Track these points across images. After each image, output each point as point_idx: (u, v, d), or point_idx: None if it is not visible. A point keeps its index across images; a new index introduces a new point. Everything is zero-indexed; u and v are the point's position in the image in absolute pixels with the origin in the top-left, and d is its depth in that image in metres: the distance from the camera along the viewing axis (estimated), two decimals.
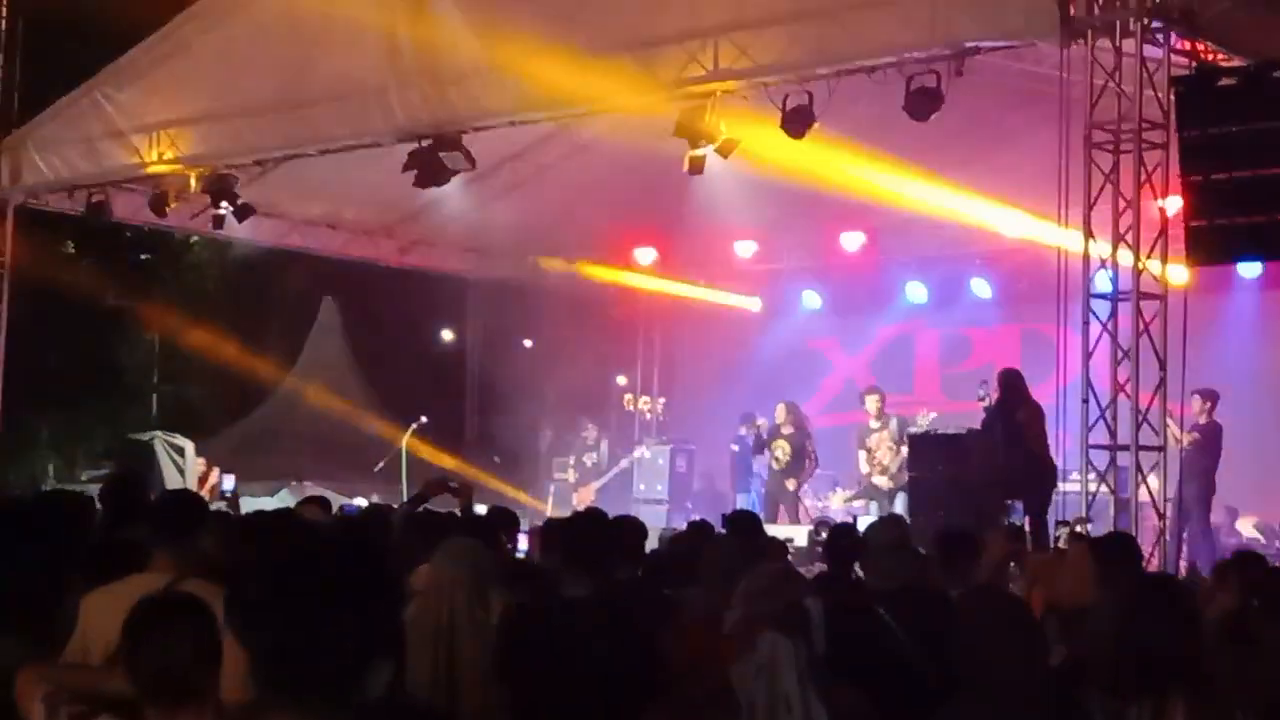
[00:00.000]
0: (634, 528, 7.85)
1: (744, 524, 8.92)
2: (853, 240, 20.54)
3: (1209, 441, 15.83)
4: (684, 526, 11.93)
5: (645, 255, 22.30)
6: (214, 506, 15.38)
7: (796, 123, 13.56)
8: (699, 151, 14.27)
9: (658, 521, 18.21)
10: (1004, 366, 15.24)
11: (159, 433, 19.43)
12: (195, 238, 20.85)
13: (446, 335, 23.85)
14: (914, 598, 6.69)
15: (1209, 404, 15.90)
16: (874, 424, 18.30)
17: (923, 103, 12.80)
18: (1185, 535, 15.03)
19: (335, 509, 11.16)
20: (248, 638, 2.68)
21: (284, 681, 2.64)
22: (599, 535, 5.93)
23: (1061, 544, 11.02)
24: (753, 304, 23.03)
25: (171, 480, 18.09)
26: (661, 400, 23.61)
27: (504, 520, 9.23)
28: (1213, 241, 11.54)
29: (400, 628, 2.90)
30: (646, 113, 14.49)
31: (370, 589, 2.73)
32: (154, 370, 23.45)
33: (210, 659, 3.95)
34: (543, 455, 22.73)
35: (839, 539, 8.41)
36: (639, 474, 21.24)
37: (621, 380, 23.85)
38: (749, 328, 22.49)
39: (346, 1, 15.58)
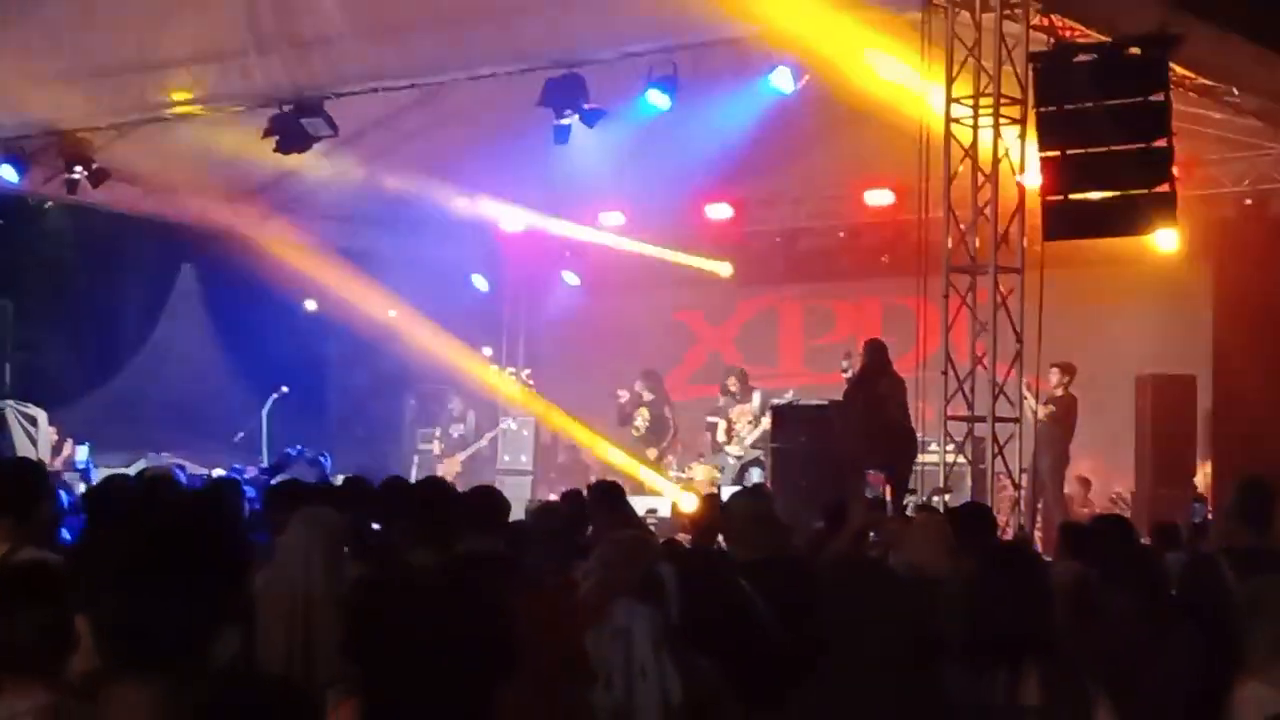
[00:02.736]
0: (486, 497, 7.77)
1: (606, 494, 8.93)
2: (719, 211, 20.55)
3: (1064, 414, 16.12)
4: (548, 497, 11.95)
5: (514, 224, 22.11)
6: (66, 478, 15.17)
7: (662, 93, 13.60)
8: (564, 120, 14.22)
9: (522, 493, 18.18)
10: (867, 338, 15.38)
11: (11, 401, 18.99)
12: (50, 202, 20.34)
13: (309, 305, 23.50)
14: (777, 568, 6.72)
15: (1066, 377, 16.19)
16: (737, 396, 18.44)
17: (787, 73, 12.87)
18: (1040, 506, 15.30)
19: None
20: (91, 608, 2.64)
21: (126, 651, 2.59)
22: (440, 503, 5.87)
23: (910, 512, 11.18)
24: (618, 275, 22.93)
25: (23, 450, 17.69)
26: (527, 371, 23.52)
27: (363, 490, 9.13)
28: (1068, 215, 11.72)
29: (247, 597, 2.85)
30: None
31: (213, 558, 2.68)
32: (7, 338, 22.89)
33: (58, 630, 3.86)
34: (406, 426, 22.57)
35: (702, 509, 8.44)
36: (504, 445, 21.19)
37: (487, 351, 23.72)
38: (614, 299, 22.44)
39: None
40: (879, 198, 18.45)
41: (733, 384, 18.49)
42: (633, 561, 4.89)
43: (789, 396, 17.42)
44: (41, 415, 18.65)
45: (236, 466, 18.07)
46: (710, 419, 18.75)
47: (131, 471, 16.10)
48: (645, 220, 21.11)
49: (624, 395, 19.39)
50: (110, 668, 2.64)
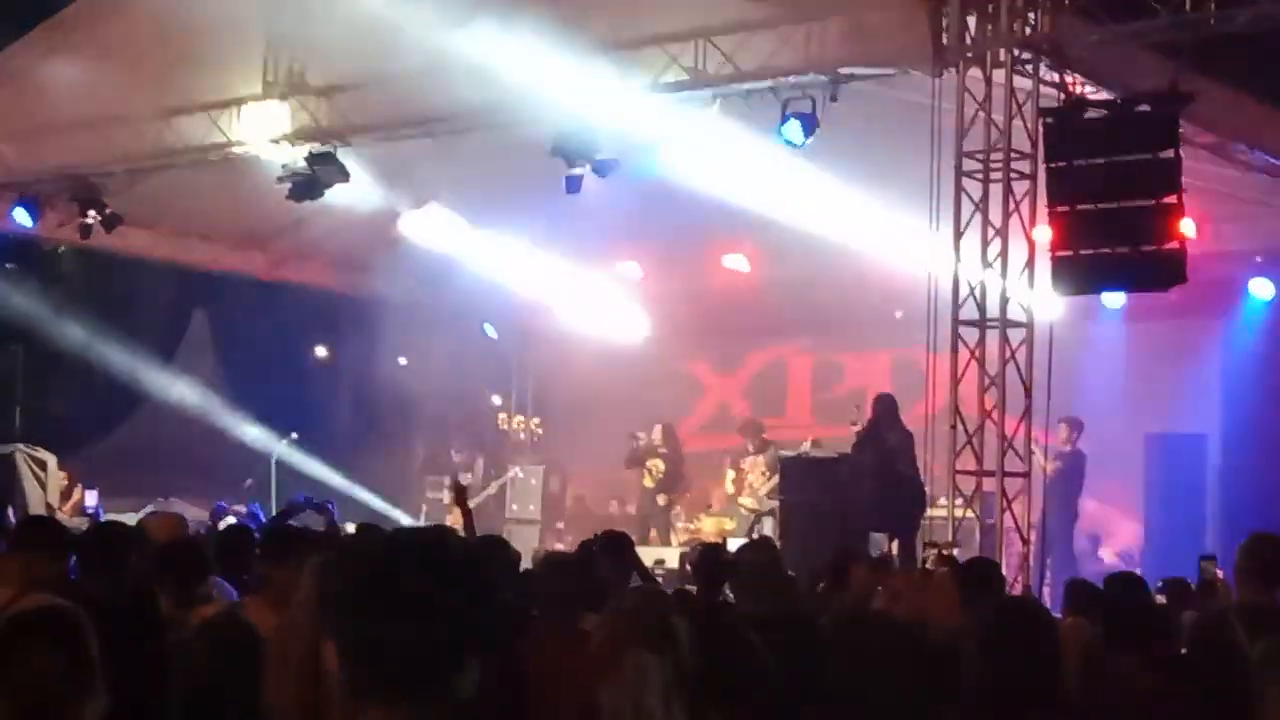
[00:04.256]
0: (493, 547, 7.77)
1: (614, 544, 8.91)
2: (736, 263, 20.64)
3: (1072, 469, 16.11)
4: (555, 547, 11.93)
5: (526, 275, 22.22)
6: (76, 523, 15.17)
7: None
8: (576, 170, 14.27)
9: (530, 542, 18.16)
10: (876, 392, 15.37)
11: (21, 445, 19.00)
12: (63, 247, 20.43)
13: (320, 351, 23.57)
14: (783, 622, 6.71)
15: (1074, 432, 16.19)
16: (750, 447, 18.45)
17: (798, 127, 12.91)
18: (1048, 562, 15.25)
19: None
20: (341, 632, 2.65)
21: (375, 678, 2.61)
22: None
23: (929, 565, 11.13)
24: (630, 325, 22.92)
25: (32, 494, 17.70)
26: (536, 420, 23.54)
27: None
28: (1078, 271, 11.73)
29: (494, 629, 2.85)
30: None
31: (466, 589, 2.70)
32: (18, 382, 22.92)
33: (80, 675, 3.85)
34: (415, 474, 22.57)
35: (708, 560, 8.42)
36: (512, 494, 21.18)
37: (496, 400, 23.75)
38: (624, 348, 22.46)
39: (221, 10, 15.39)
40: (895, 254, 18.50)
41: (752, 441, 18.51)
42: (647, 612, 4.88)
43: (804, 449, 17.38)
44: (51, 460, 18.66)
45: (221, 503, 18.09)
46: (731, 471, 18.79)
47: (139, 516, 16.12)
48: (659, 271, 21.20)
49: (641, 438, 19.43)
50: (355, 694, 2.66)
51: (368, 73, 14.52)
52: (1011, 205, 12.10)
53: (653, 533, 18.82)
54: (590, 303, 22.36)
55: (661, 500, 19.13)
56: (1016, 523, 12.28)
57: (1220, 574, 12.94)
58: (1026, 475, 12.29)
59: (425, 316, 21.39)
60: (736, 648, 6.09)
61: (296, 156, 15.47)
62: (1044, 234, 12.09)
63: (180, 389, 22.57)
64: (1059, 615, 7.87)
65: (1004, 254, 12.10)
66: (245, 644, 5.88)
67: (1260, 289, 17.60)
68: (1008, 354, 12.06)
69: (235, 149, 16.00)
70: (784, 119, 12.89)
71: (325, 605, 2.74)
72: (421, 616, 2.60)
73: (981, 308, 12.28)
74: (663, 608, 5.03)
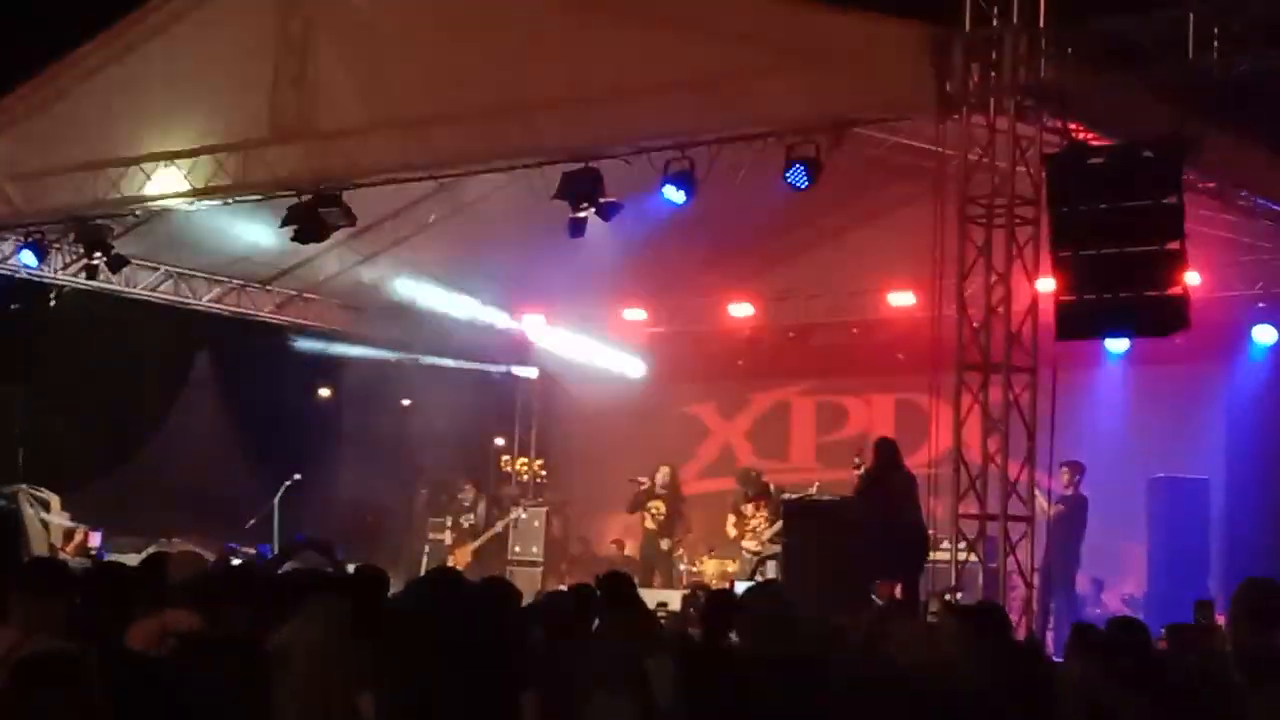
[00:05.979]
0: (499, 587, 7.76)
1: (616, 586, 8.91)
2: (740, 309, 20.73)
3: (1074, 513, 16.08)
4: (558, 589, 11.90)
5: (530, 319, 22.32)
6: (79, 564, 15.17)
7: (679, 188, 13.66)
8: (580, 214, 14.30)
9: (533, 584, 18.13)
10: (879, 435, 15.38)
11: (24, 485, 19.00)
12: (67, 288, 20.47)
13: (323, 392, 23.57)
14: (790, 666, 6.70)
15: (1075, 476, 16.16)
16: (748, 494, 18.44)
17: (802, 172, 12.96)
18: (1052, 606, 15.22)
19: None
20: (398, 680, 2.69)
21: None
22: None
23: (932, 608, 11.12)
24: (634, 368, 22.93)
25: (35, 534, 17.70)
26: (540, 462, 23.53)
27: (373, 579, 9.12)
28: (1081, 316, 11.73)
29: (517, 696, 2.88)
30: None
31: (499, 646, 2.73)
32: (21, 421, 22.92)
33: (85, 718, 3.87)
34: (417, 515, 22.53)
35: (715, 605, 8.40)
36: (515, 536, 21.12)
37: (499, 441, 23.74)
38: (628, 391, 22.47)
39: (227, 55, 15.49)
40: (899, 299, 18.64)
41: (747, 484, 18.51)
42: (614, 655, 4.89)
43: (813, 491, 17.35)
44: (54, 499, 18.67)
45: (231, 544, 18.05)
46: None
47: (141, 557, 16.11)
48: (664, 314, 21.26)
49: (644, 483, 19.44)
50: None
51: (372, 116, 14.58)
52: (1015, 250, 12.13)
53: (656, 575, 18.79)
54: (594, 346, 22.42)
55: (665, 544, 19.10)
56: (1019, 566, 12.27)
57: (1221, 618, 12.94)
58: (1029, 519, 12.28)
59: (429, 357, 21.46)
60: (727, 689, 6.09)
61: (302, 199, 15.50)
62: (1047, 279, 12.12)
63: (183, 429, 22.59)
64: (1061, 659, 7.87)
65: (1007, 299, 12.13)
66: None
67: (1263, 334, 17.64)
68: (1011, 398, 12.07)
69: (241, 191, 16.04)
70: (788, 164, 12.92)
71: (382, 652, 2.77)
72: (480, 665, 2.63)
73: (985, 352, 12.29)
74: (634, 647, 5.02)
